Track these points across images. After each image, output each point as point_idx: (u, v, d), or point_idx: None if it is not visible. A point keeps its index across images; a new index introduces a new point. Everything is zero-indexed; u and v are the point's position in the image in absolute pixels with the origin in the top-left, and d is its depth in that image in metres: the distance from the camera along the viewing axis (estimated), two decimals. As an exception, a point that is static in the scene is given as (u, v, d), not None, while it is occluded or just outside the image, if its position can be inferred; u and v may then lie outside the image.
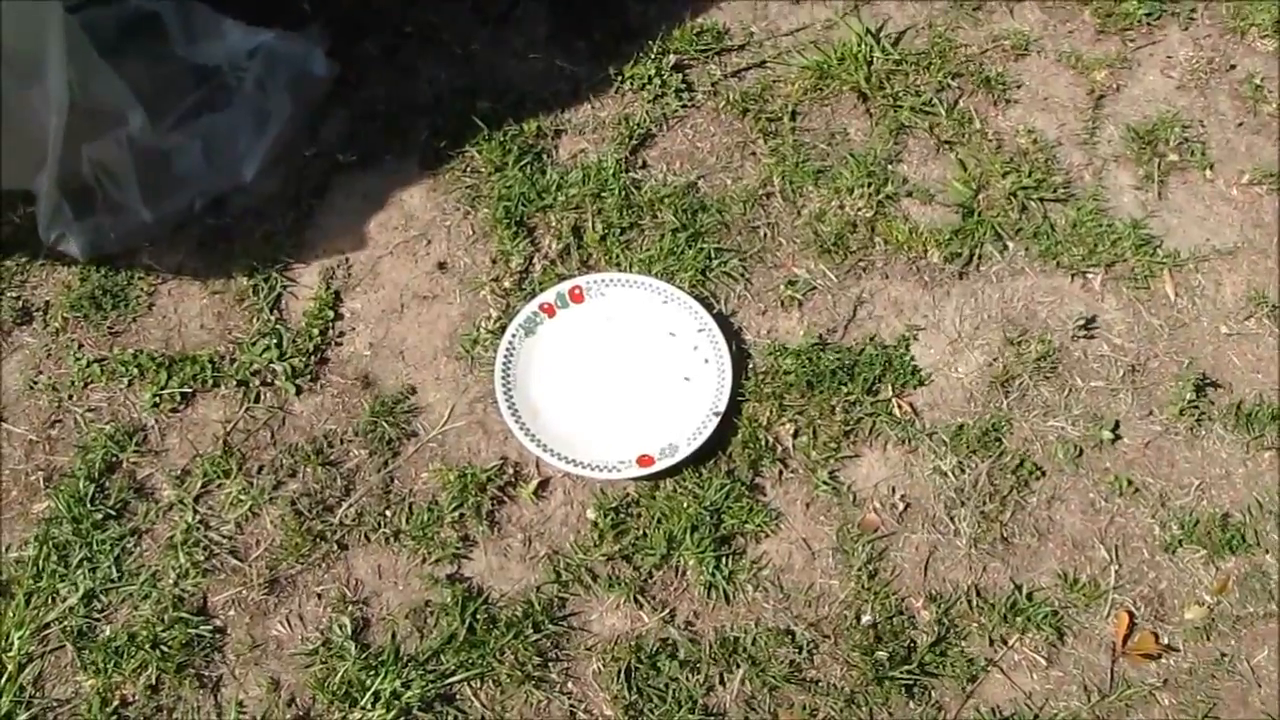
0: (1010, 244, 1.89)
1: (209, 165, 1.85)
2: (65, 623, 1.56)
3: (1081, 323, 1.82)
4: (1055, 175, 1.95)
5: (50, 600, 1.58)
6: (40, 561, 1.59)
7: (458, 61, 2.04)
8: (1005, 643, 1.61)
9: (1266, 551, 1.68)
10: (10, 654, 1.53)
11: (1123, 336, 1.83)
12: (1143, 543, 1.69)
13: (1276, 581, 1.66)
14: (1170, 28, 2.14)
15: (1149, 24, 2.13)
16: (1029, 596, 1.64)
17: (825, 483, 1.69)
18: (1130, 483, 1.72)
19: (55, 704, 1.52)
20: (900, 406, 1.75)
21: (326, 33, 1.97)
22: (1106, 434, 1.74)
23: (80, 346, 1.76)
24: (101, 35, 1.63)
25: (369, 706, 1.51)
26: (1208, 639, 1.64)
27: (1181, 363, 1.81)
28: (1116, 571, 1.66)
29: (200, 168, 1.85)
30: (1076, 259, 1.87)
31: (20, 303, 1.79)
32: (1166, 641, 1.63)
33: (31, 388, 1.73)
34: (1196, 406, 1.77)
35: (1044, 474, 1.72)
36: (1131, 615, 1.64)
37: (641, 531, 1.65)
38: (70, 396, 1.72)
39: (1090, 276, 1.87)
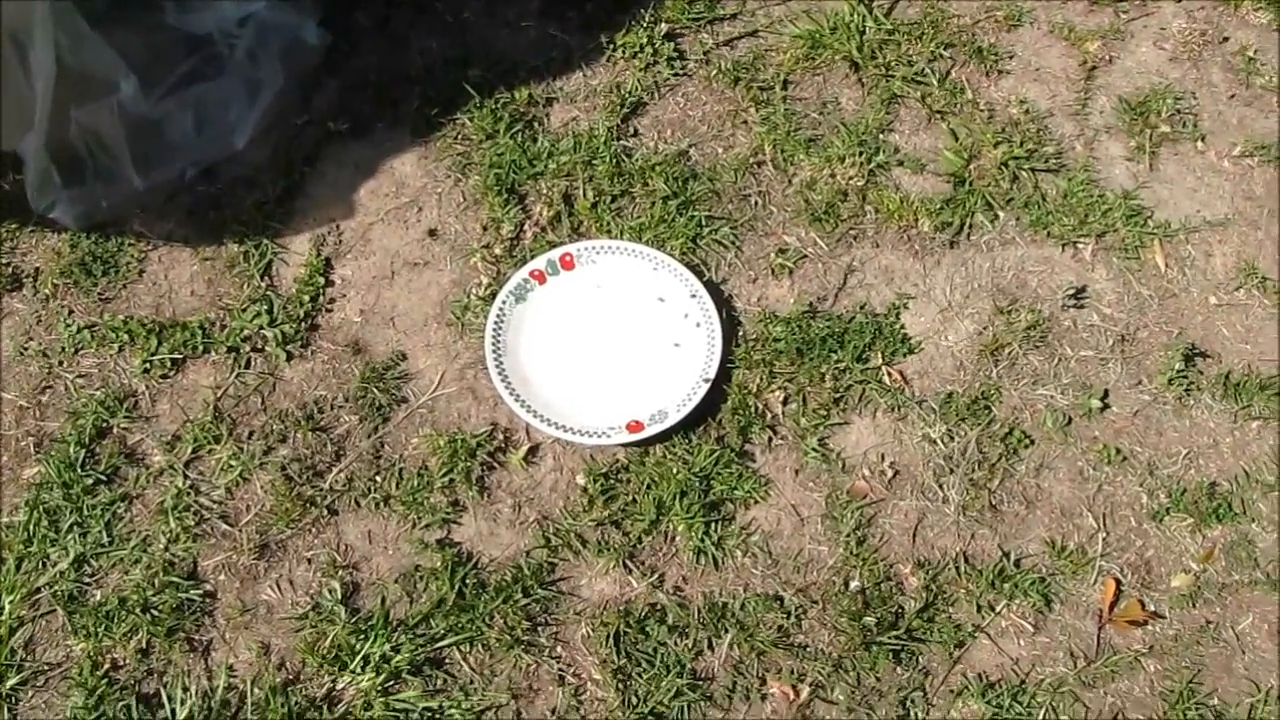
0: (1001, 213, 1.89)
1: (200, 134, 1.84)
2: (56, 587, 1.56)
3: (1071, 292, 1.82)
4: (1047, 145, 1.95)
5: (41, 565, 1.58)
6: (31, 527, 1.60)
7: (450, 31, 2.04)
8: (993, 609, 1.62)
9: (1253, 520, 1.69)
10: (2, 618, 1.54)
11: (1112, 306, 1.83)
12: (1130, 511, 1.70)
13: (1262, 550, 1.67)
14: (1163, 0, 2.13)
15: (1142, -5, 2.13)
16: (1017, 564, 1.65)
17: (814, 450, 1.69)
18: (1118, 451, 1.72)
19: (46, 667, 1.52)
20: (890, 374, 1.75)
21: (318, 2, 1.96)
22: (1095, 403, 1.75)
23: (71, 313, 1.76)
24: (92, 2, 1.63)
25: (358, 670, 1.52)
26: (1194, 606, 1.64)
27: (1171, 333, 1.82)
28: (1104, 539, 1.67)
29: (191, 136, 1.84)
30: (1067, 229, 1.87)
31: (10, 269, 1.79)
32: (1153, 609, 1.64)
33: (22, 354, 1.73)
34: (1185, 376, 1.77)
35: (1033, 442, 1.72)
36: (1118, 583, 1.65)
37: (631, 497, 1.65)
38: (61, 363, 1.73)
39: (1081, 246, 1.87)
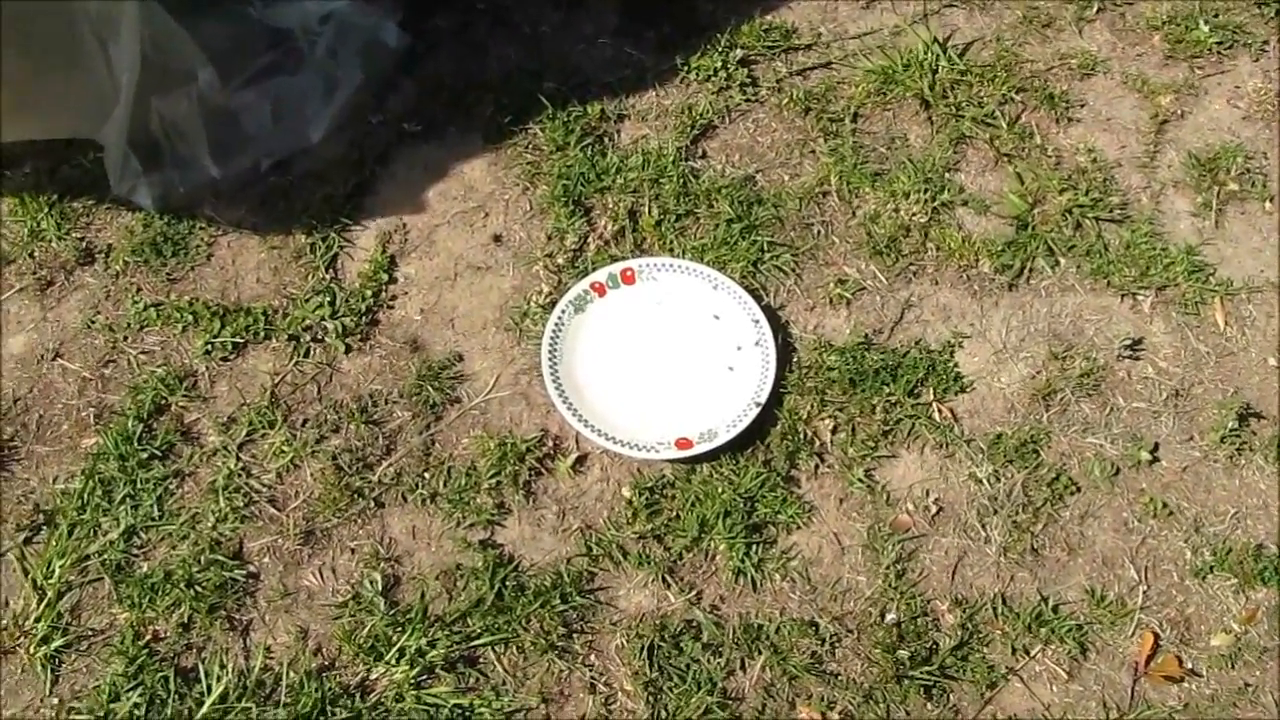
0: (1062, 260, 1.89)
1: (277, 126, 1.89)
2: (105, 556, 1.59)
3: (1128, 343, 1.81)
4: (1112, 195, 1.95)
5: (92, 533, 1.61)
6: (85, 495, 1.63)
7: (527, 42, 2.07)
8: (1027, 653, 1.61)
9: (1298, 585, 1.68)
10: (51, 581, 1.57)
11: (1168, 360, 1.82)
12: (1173, 565, 1.68)
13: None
14: (1241, 58, 2.13)
15: (1219, 53, 2.13)
16: (1054, 609, 1.64)
17: (860, 480, 1.69)
18: (1165, 505, 1.71)
19: (90, 633, 1.55)
20: (940, 411, 1.76)
21: (399, 4, 2.00)
22: (1145, 455, 1.74)
23: (139, 290, 1.80)
24: (179, -4, 1.67)
25: (393, 661, 1.54)
26: (1232, 667, 1.63)
27: (1226, 391, 1.81)
28: (1145, 592, 1.66)
29: (268, 128, 1.88)
30: (1127, 280, 1.87)
31: (84, 243, 1.83)
32: (1190, 666, 1.62)
33: (89, 327, 1.77)
34: (1238, 435, 1.76)
35: (1079, 489, 1.72)
36: (1156, 636, 1.63)
37: (675, 513, 1.66)
38: (125, 338, 1.76)
39: (1140, 298, 1.87)
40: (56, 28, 1.60)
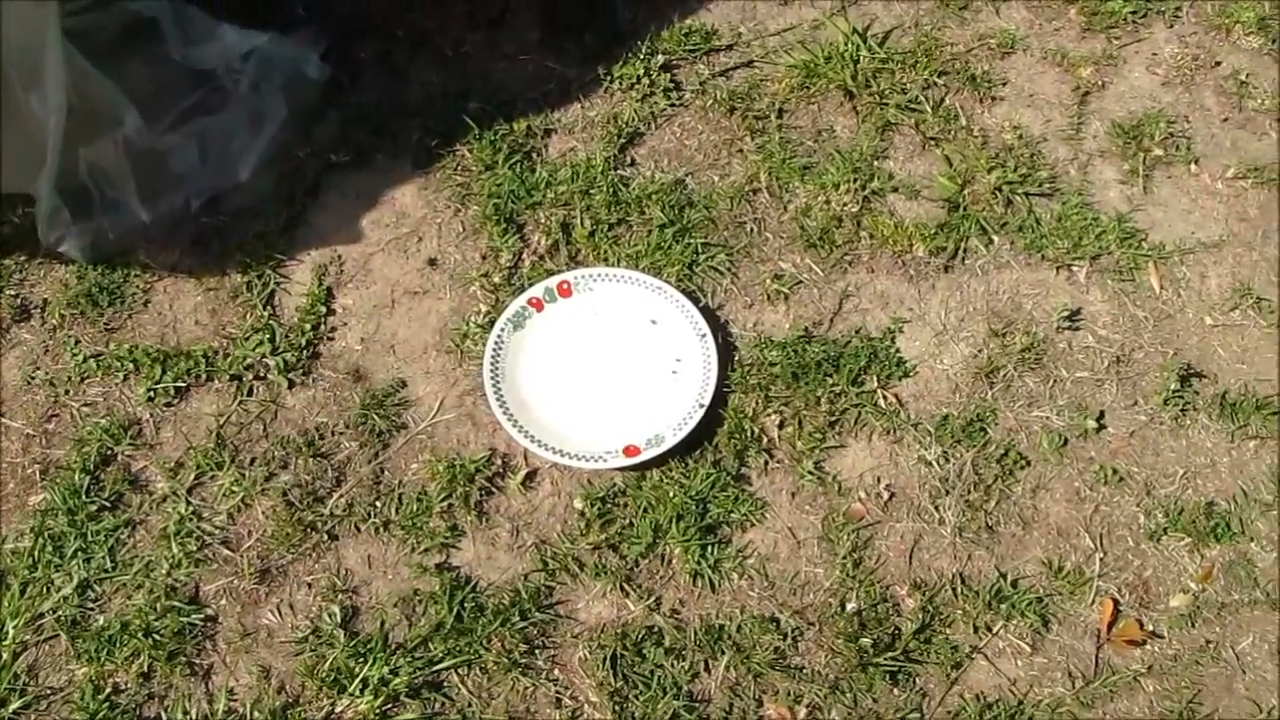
0: (995, 238, 1.91)
1: (205, 165, 1.88)
2: (59, 612, 1.58)
3: (1066, 314, 1.83)
4: (1040, 170, 1.97)
5: (45, 590, 1.60)
6: (35, 552, 1.62)
7: (449, 64, 2.07)
8: (990, 630, 1.62)
9: (1251, 540, 1.69)
10: (5, 643, 1.55)
11: (1107, 328, 1.84)
12: (1127, 531, 1.70)
13: (1262, 569, 1.67)
14: (1156, 25, 2.16)
15: (1134, 22, 2.15)
16: (1014, 584, 1.65)
17: (811, 472, 1.70)
18: (1115, 472, 1.73)
19: (49, 691, 1.54)
20: (886, 397, 1.77)
21: (320, 36, 2.00)
22: (1091, 424, 1.75)
23: (77, 342, 1.79)
24: (98, 39, 1.66)
25: (357, 693, 1.53)
26: (1193, 626, 1.64)
27: (1166, 353, 1.82)
28: (1101, 559, 1.67)
29: (196, 168, 1.87)
30: (1061, 252, 1.89)
31: (19, 300, 1.82)
32: (1151, 629, 1.64)
33: (29, 383, 1.76)
34: (1181, 396, 1.78)
35: (1029, 463, 1.73)
36: (1116, 603, 1.65)
37: (628, 521, 1.67)
38: (67, 391, 1.75)
39: (1075, 269, 1.88)
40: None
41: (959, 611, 1.63)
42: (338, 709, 1.53)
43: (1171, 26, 2.15)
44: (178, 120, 1.85)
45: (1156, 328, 1.85)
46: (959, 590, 1.64)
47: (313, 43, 1.98)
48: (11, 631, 1.56)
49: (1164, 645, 1.63)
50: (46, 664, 1.56)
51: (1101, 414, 1.77)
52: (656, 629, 1.60)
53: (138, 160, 1.79)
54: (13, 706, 1.51)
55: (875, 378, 1.78)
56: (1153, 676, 1.60)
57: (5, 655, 1.55)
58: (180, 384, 1.75)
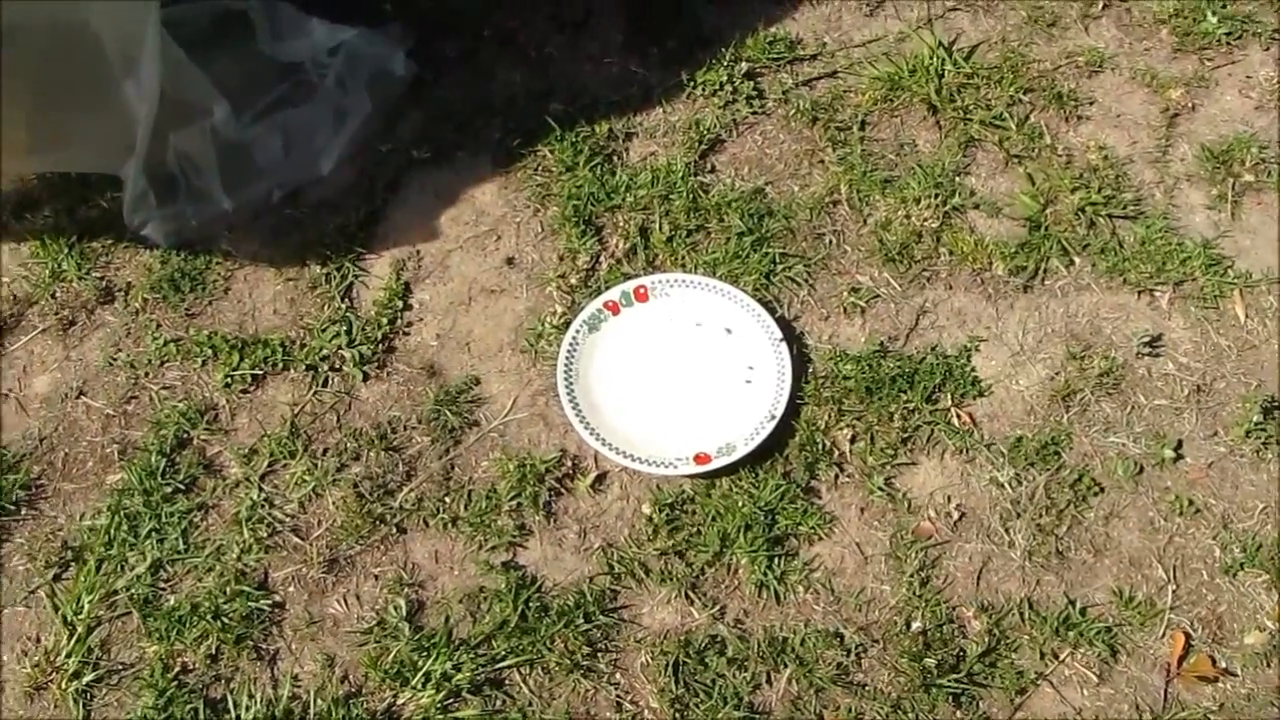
0: (1077, 259, 1.88)
1: (288, 158, 1.90)
2: (132, 590, 1.61)
3: (1147, 340, 1.80)
4: (1125, 192, 1.94)
5: (119, 568, 1.63)
6: (111, 530, 1.65)
7: (533, 64, 2.09)
8: (1056, 657, 1.60)
9: (1331, 579, 1.65)
10: (80, 616, 1.58)
11: (1189, 356, 1.81)
12: (1202, 564, 1.67)
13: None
14: (1251, 47, 2.12)
15: (1229, 43, 2.11)
16: (1082, 612, 1.62)
17: (881, 488, 1.69)
18: (1191, 503, 1.70)
19: (120, 666, 1.56)
20: (959, 416, 1.75)
21: (407, 33, 2.02)
22: (1168, 453, 1.72)
23: (158, 326, 1.82)
24: (192, 31, 1.70)
25: (419, 686, 1.54)
26: (1267, 665, 1.61)
27: (1249, 384, 1.79)
28: (1174, 591, 1.64)
29: (279, 160, 1.90)
30: (1144, 276, 1.86)
31: (104, 282, 1.86)
32: (1224, 665, 1.60)
33: (111, 364, 1.79)
34: (1264, 429, 1.74)
35: (1102, 490, 1.70)
36: (1188, 636, 1.62)
37: (696, 528, 1.66)
38: (146, 374, 1.78)
39: (1158, 294, 1.85)
40: (83, 65, 1.63)
41: (1025, 637, 1.61)
42: (399, 701, 1.54)
43: (1268, 49, 2.11)
44: (264, 112, 1.88)
45: (1240, 358, 1.81)
46: (1026, 615, 1.62)
47: (399, 39, 2.00)
48: (87, 606, 1.59)
49: (1237, 684, 1.59)
50: (118, 640, 1.58)
51: (1180, 443, 1.74)
52: (720, 638, 1.60)
53: (223, 150, 1.82)
54: (86, 679, 1.54)
55: (949, 396, 1.76)
56: (1223, 714, 1.57)
57: (81, 629, 1.58)
58: (257, 372, 1.78)
